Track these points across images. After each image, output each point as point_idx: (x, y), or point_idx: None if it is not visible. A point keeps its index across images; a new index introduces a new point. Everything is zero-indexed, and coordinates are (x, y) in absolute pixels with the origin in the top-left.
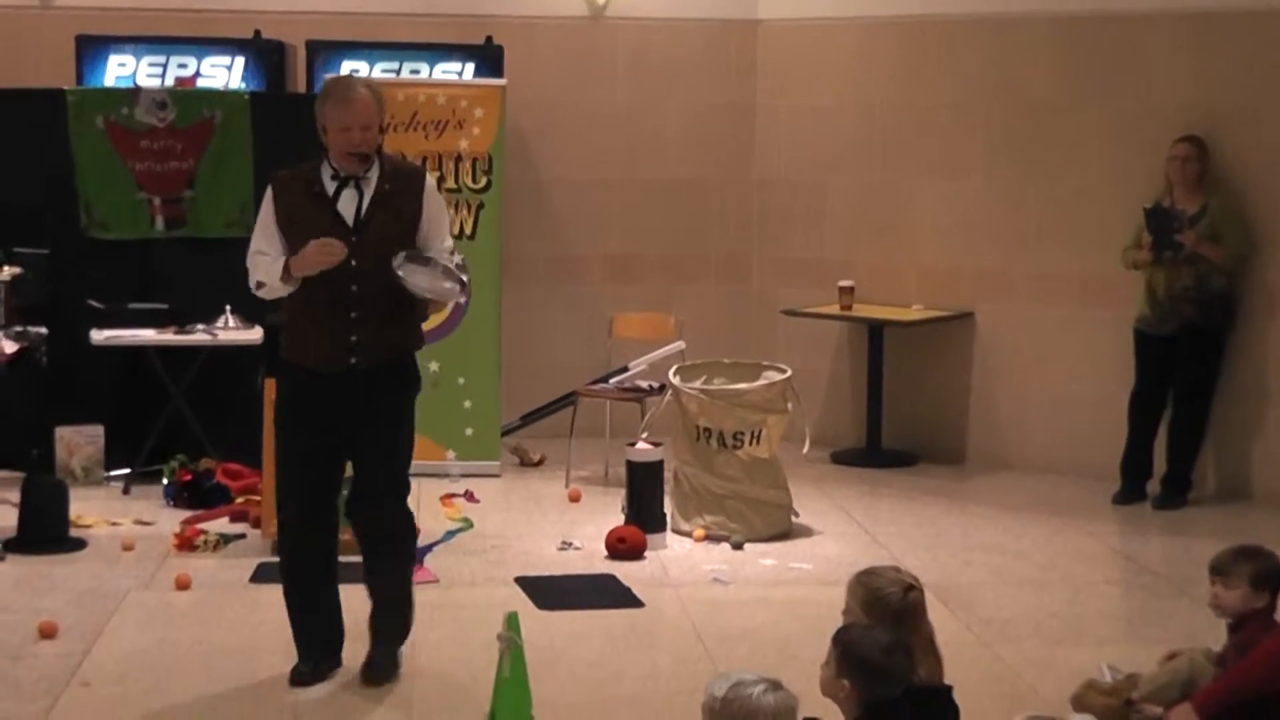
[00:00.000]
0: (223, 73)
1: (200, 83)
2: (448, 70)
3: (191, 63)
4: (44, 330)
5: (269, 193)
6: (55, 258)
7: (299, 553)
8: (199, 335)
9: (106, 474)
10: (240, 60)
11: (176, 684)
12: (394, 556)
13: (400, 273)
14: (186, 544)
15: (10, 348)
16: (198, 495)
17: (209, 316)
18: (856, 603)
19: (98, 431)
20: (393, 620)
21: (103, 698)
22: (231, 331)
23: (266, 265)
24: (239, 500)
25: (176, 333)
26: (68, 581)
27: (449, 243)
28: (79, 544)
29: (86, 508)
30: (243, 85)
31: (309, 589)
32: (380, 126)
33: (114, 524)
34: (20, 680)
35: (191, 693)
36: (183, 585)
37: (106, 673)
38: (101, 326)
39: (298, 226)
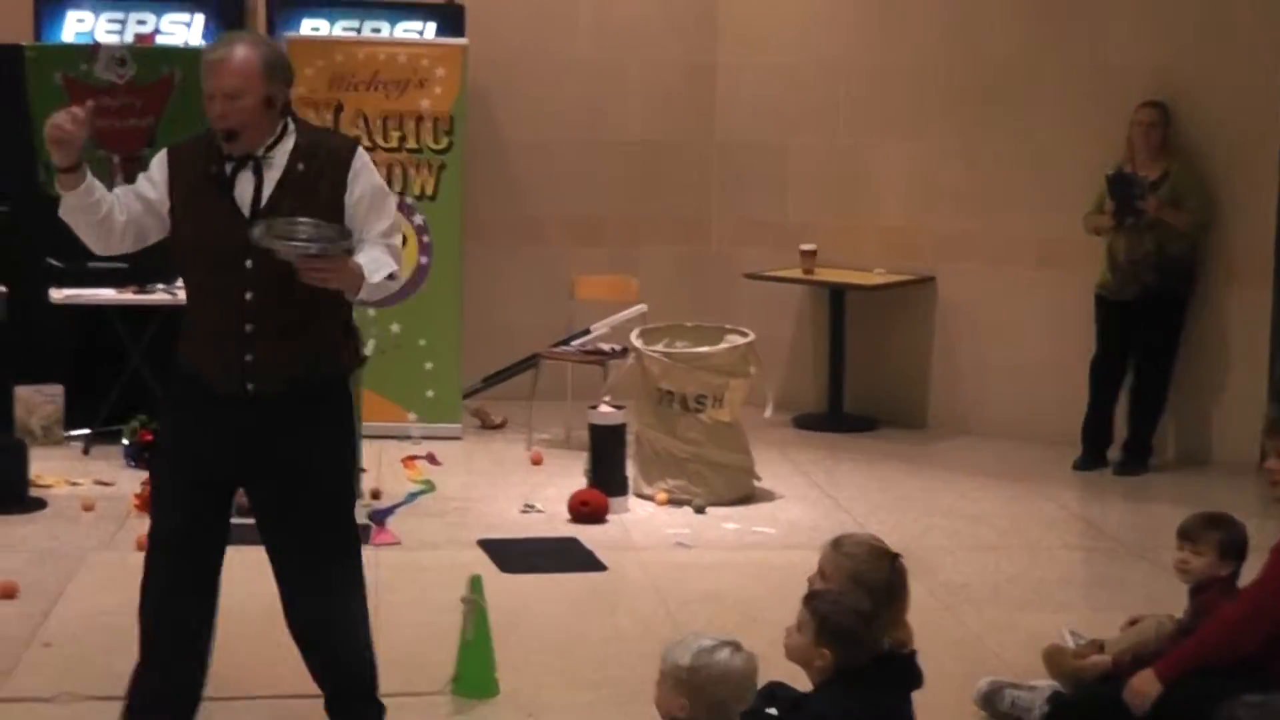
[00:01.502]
0: (182, 29)
1: (159, 40)
2: (409, 29)
3: (151, 19)
4: (3, 288)
5: (163, 159)
6: (13, 215)
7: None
8: (159, 294)
9: (66, 433)
10: (200, 17)
11: (127, 645)
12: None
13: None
14: (147, 504)
15: None
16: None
17: (169, 276)
18: (841, 572)
19: (57, 391)
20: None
21: (64, 658)
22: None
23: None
24: None
25: (136, 292)
26: (27, 541)
27: (385, 227)
28: (39, 504)
29: (46, 467)
30: (202, 42)
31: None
32: (268, 95)
33: (74, 484)
34: None
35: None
36: (143, 546)
37: (68, 633)
38: (61, 285)
39: (189, 212)
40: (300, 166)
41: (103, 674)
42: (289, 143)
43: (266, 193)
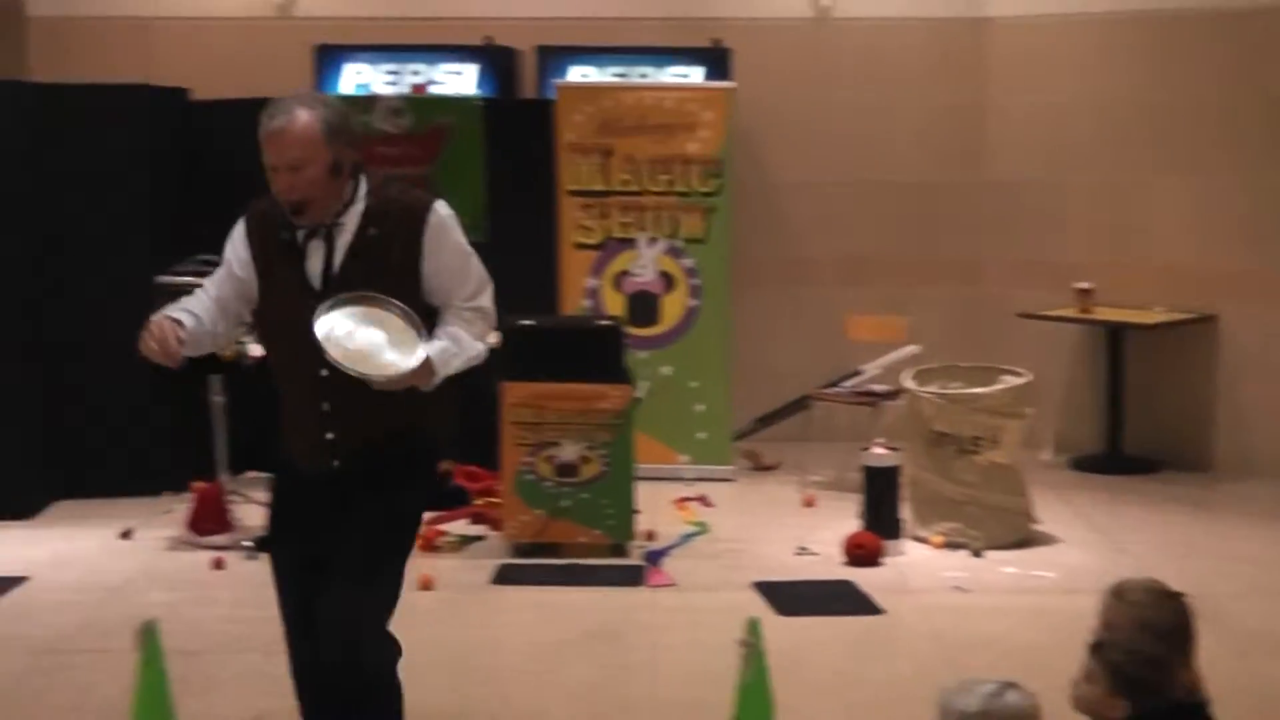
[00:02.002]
0: (455, 79)
1: (433, 89)
2: (676, 73)
3: (425, 70)
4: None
5: (242, 231)
6: None
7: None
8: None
9: None
10: (473, 68)
11: (422, 683)
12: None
13: (320, 337)
14: (428, 545)
15: (258, 351)
16: (438, 497)
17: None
18: (1127, 620)
19: None
20: None
21: None
22: None
23: (179, 306)
24: (478, 502)
25: None
26: None
27: (469, 291)
28: None
29: None
30: (475, 91)
31: None
32: (334, 162)
33: None
34: (274, 675)
35: (437, 692)
36: (426, 585)
37: None
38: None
39: (267, 284)
40: (371, 231)
41: None
42: (360, 206)
43: (338, 261)
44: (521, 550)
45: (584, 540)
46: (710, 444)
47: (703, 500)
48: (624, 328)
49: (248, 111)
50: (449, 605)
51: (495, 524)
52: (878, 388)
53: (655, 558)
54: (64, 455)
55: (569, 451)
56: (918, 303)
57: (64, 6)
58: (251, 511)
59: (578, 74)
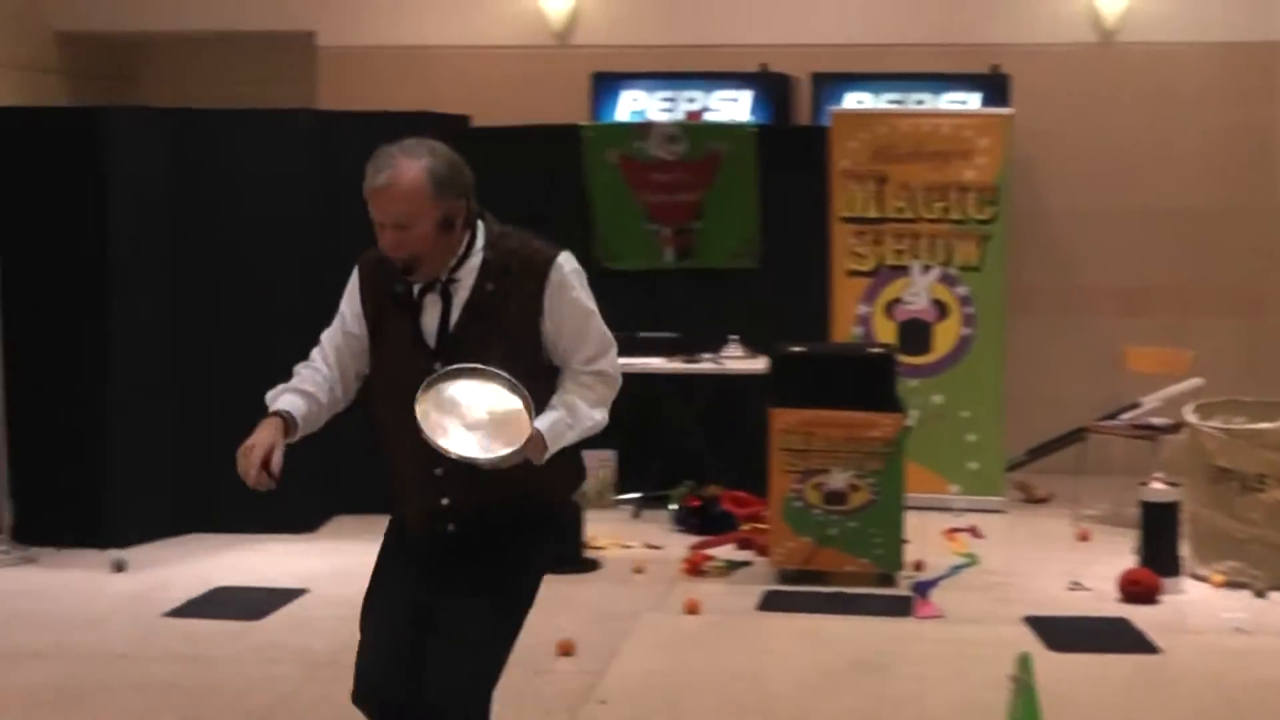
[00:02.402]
0: (730, 106)
1: (708, 116)
2: (953, 100)
3: (700, 97)
4: None
5: (355, 282)
6: None
7: None
8: (705, 364)
9: (618, 497)
10: (747, 94)
11: (688, 707)
12: None
13: (420, 419)
14: (695, 569)
15: None
16: (705, 521)
17: (715, 346)
18: None
19: (610, 456)
20: None
21: (619, 716)
22: (737, 361)
23: (292, 385)
24: (745, 527)
25: (684, 361)
26: (584, 601)
27: (589, 354)
28: (593, 565)
29: (599, 530)
30: (750, 118)
31: None
32: (444, 216)
33: (626, 546)
34: (542, 694)
35: (702, 717)
36: (692, 610)
37: (621, 692)
38: None
39: (379, 340)
40: (489, 286)
41: None
42: (477, 259)
43: (454, 319)
44: (788, 577)
45: (851, 569)
46: (982, 474)
47: (973, 531)
48: (895, 355)
49: (526, 138)
50: (714, 630)
51: (762, 550)
52: (1157, 421)
53: (924, 589)
54: (343, 471)
55: (838, 479)
56: (1197, 333)
57: (350, 37)
58: None
59: (853, 100)
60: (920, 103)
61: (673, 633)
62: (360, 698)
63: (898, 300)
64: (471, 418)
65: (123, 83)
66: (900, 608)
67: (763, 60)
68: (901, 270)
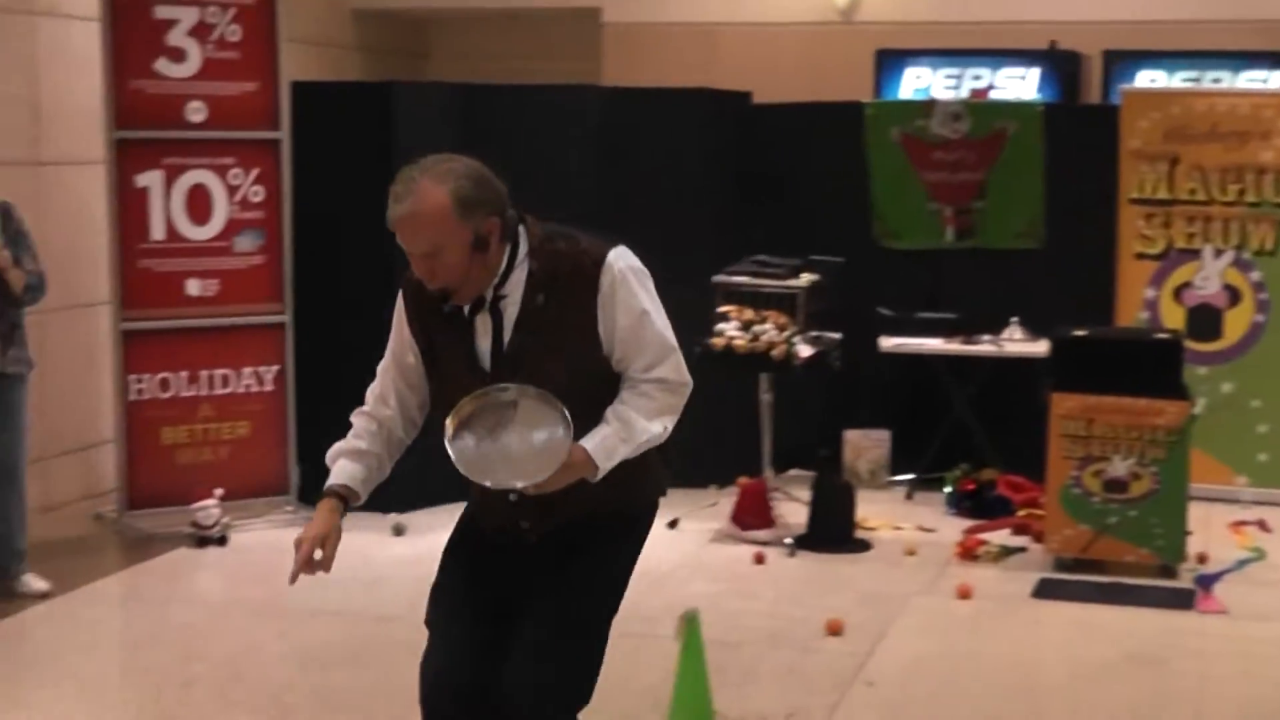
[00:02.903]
0: (1017, 84)
1: (994, 94)
2: (1252, 78)
3: (986, 74)
4: (838, 336)
5: (400, 307)
6: (849, 266)
7: None
8: (985, 346)
9: (891, 478)
10: (1035, 71)
11: (956, 692)
12: None
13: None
14: (968, 553)
15: (806, 351)
16: (980, 505)
17: (995, 327)
18: None
19: (884, 436)
20: None
21: (885, 699)
22: (1017, 343)
23: (349, 446)
24: (1021, 513)
25: (963, 342)
26: (853, 582)
27: (646, 361)
28: (864, 545)
29: (871, 510)
30: (1036, 96)
31: None
32: (475, 237)
33: (897, 528)
34: (809, 673)
35: (971, 703)
36: (964, 595)
37: (889, 674)
38: (890, 334)
39: (433, 362)
40: (540, 299)
41: (920, 717)
42: (523, 270)
43: (507, 337)
44: (1063, 565)
45: (1130, 559)
46: (1272, 466)
47: (1261, 525)
48: (1183, 341)
49: (809, 116)
50: (986, 616)
51: (1038, 536)
52: None
53: (1207, 582)
54: None
55: (1119, 467)
56: None
57: (635, 13)
58: (794, 509)
59: (1145, 79)
60: (1217, 81)
61: (943, 617)
62: (431, 690)
63: (1187, 285)
64: (513, 444)
65: (415, 58)
66: (1181, 601)
67: (1052, 37)
68: (1192, 254)
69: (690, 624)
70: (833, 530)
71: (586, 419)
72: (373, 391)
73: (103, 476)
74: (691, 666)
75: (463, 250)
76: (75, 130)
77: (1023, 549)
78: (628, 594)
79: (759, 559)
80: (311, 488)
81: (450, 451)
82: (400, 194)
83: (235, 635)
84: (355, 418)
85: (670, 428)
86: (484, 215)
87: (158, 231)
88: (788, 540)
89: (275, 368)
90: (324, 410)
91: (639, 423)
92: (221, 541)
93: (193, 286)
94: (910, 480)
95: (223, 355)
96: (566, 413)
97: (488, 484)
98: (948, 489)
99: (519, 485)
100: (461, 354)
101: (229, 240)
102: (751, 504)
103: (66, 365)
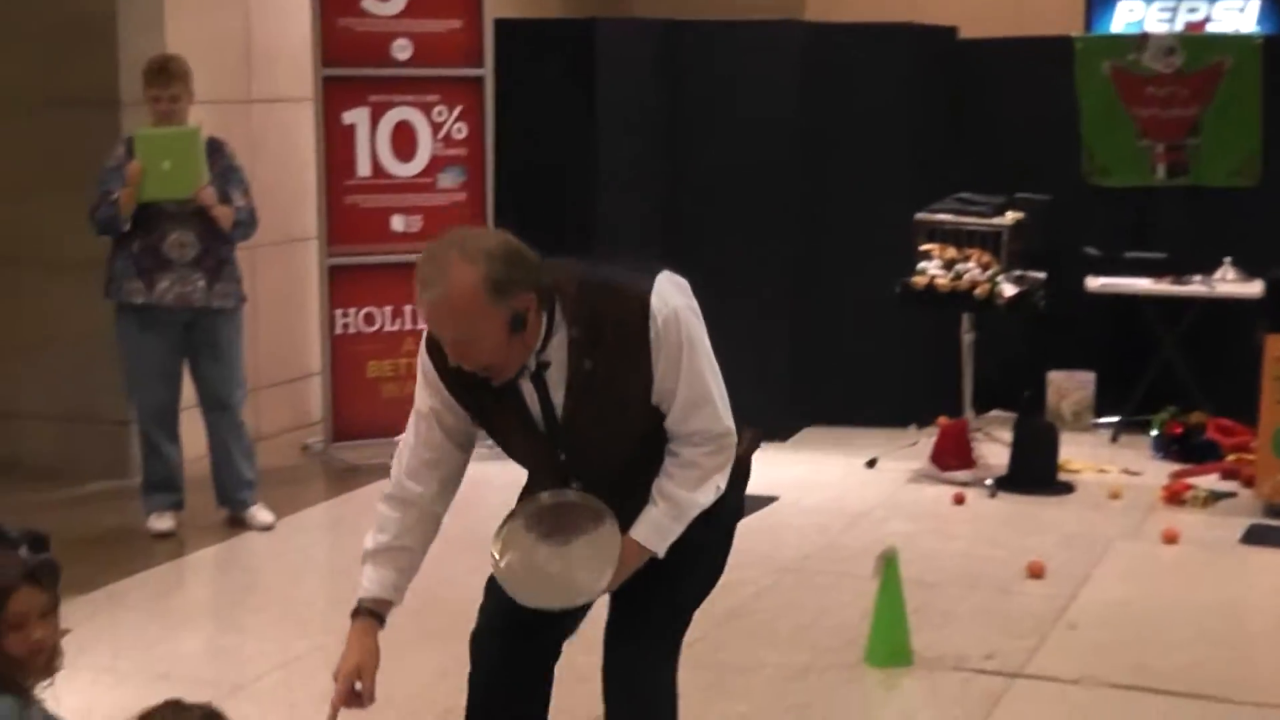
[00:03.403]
0: (1234, 16)
1: (1210, 28)
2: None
3: (1202, 7)
4: (1042, 275)
5: (426, 366)
6: (1056, 203)
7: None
8: (1195, 286)
9: (1095, 420)
10: (1254, 3)
11: (1160, 638)
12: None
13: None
14: (1174, 498)
15: (1010, 291)
16: (1187, 449)
17: (1206, 267)
18: None
19: (1089, 378)
20: None
21: (1087, 642)
22: (1229, 284)
23: (382, 545)
24: (1230, 458)
25: (1172, 283)
26: (1055, 524)
27: (699, 424)
28: (1066, 488)
29: (1074, 452)
30: (1255, 29)
31: None
32: (512, 316)
33: (1101, 471)
34: (1009, 615)
35: (1175, 649)
36: (1170, 539)
37: (1091, 618)
38: (1097, 273)
39: (486, 422)
40: (587, 365)
41: (1125, 663)
42: (563, 333)
43: (559, 406)
44: (1274, 511)
45: None
46: None
47: None
48: None
49: (1016, 51)
50: (1192, 561)
51: (1247, 481)
52: None
53: None
54: (817, 382)
55: None
56: None
57: None
58: (995, 450)
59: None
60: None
61: (1147, 561)
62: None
63: None
64: (552, 558)
65: None
66: None
67: None
68: None
69: (889, 563)
70: (1035, 472)
71: (646, 475)
72: (399, 472)
73: (310, 409)
74: (889, 605)
75: (499, 333)
76: (285, 69)
77: (1231, 494)
78: (825, 533)
79: (958, 499)
80: None
81: (501, 571)
82: (428, 279)
83: (433, 566)
84: (382, 505)
85: (724, 485)
86: (520, 292)
87: (364, 168)
88: (988, 481)
89: None
90: None
91: (687, 498)
92: None
93: (397, 222)
94: (1115, 423)
95: None
96: (604, 508)
97: (547, 607)
98: (1154, 432)
99: (578, 602)
100: (516, 422)
101: (432, 177)
102: (951, 444)
103: (276, 299)
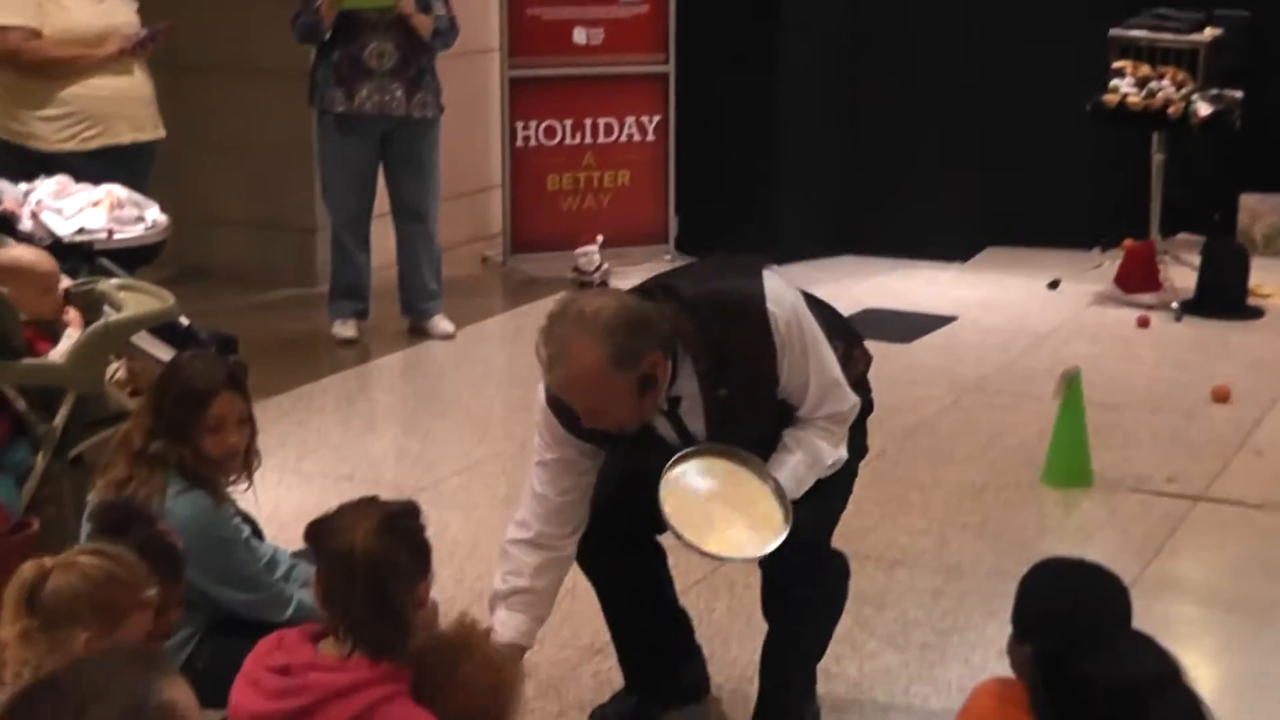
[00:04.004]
0: None
1: None
2: None
3: None
4: (1239, 94)
5: (548, 419)
6: (1256, 20)
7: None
8: None
9: None
10: None
11: None
12: (793, 602)
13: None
14: None
15: (1205, 110)
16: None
17: None
18: None
19: None
20: (776, 663)
21: (1273, 468)
22: None
23: (511, 588)
24: None
25: None
26: (1242, 349)
27: (830, 409)
28: (1255, 313)
29: (1264, 277)
30: None
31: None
32: (640, 378)
33: None
34: (1192, 439)
35: None
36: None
37: (1278, 443)
38: None
39: (622, 451)
40: (722, 393)
41: None
42: (688, 367)
43: (698, 433)
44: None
45: None
46: None
47: None
48: None
49: None
50: None
51: None
52: None
53: None
54: (1001, 202)
55: None
56: None
57: None
58: (1182, 273)
59: None
60: None
61: None
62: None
63: None
64: (714, 510)
65: None
66: None
67: None
68: None
69: (1071, 383)
70: (1223, 296)
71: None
72: (530, 517)
73: (491, 220)
74: (1070, 426)
75: (630, 399)
76: None
77: None
78: (1005, 353)
79: (1143, 323)
80: (688, 237)
81: (673, 520)
82: (552, 359)
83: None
84: (513, 549)
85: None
86: (644, 358)
87: None
88: (1174, 305)
89: (657, 118)
90: (703, 162)
91: (826, 450)
92: (602, 286)
93: (579, 35)
94: None
95: (606, 104)
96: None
97: (719, 555)
98: None
99: (752, 556)
100: (653, 450)
101: None
102: (1137, 266)
103: (459, 111)
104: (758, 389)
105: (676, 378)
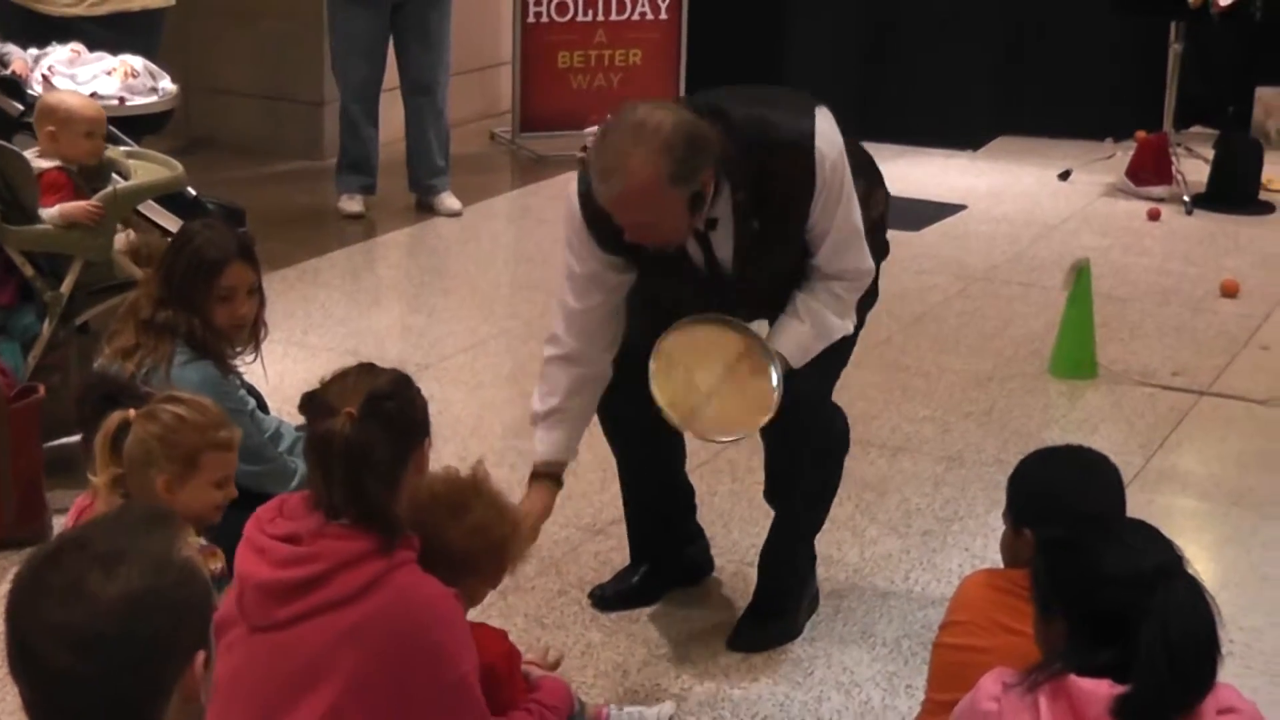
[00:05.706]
0: None
1: None
2: None
3: None
4: None
5: (579, 227)
6: None
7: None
8: None
9: None
10: None
11: None
12: (797, 459)
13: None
14: None
15: (1226, 0)
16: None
17: None
18: None
19: None
20: (779, 547)
21: (1279, 363)
22: None
23: (550, 408)
24: None
25: None
26: (1253, 244)
27: (845, 264)
28: (1267, 208)
29: (1277, 172)
30: None
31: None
32: (691, 197)
33: None
34: (1198, 333)
35: None
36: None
37: None
38: None
39: (650, 269)
40: (755, 225)
41: None
42: (726, 191)
43: (725, 262)
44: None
45: None
46: None
47: None
48: None
49: None
50: None
51: None
52: None
53: None
54: (1013, 90)
55: None
56: None
57: None
58: (1195, 167)
59: None
60: None
61: None
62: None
63: None
64: (708, 380)
65: None
66: None
67: None
68: None
69: (1080, 274)
70: (1235, 190)
71: (789, 294)
72: (562, 333)
73: (499, 97)
74: (1077, 317)
75: (682, 215)
76: None
77: None
78: (1014, 243)
79: (1153, 215)
80: None
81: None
82: (607, 169)
83: None
84: (549, 366)
85: (854, 321)
86: (700, 172)
87: None
88: (1186, 198)
89: None
90: (715, 42)
91: (835, 323)
92: None
93: None
94: None
95: None
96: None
97: (712, 437)
98: None
99: (740, 435)
100: (678, 273)
101: None
102: (1150, 158)
103: None
104: (788, 225)
105: (717, 198)
